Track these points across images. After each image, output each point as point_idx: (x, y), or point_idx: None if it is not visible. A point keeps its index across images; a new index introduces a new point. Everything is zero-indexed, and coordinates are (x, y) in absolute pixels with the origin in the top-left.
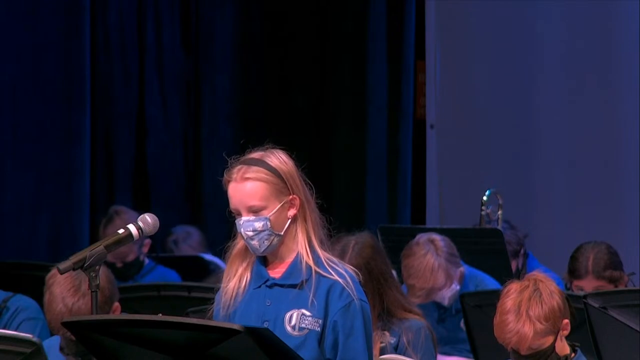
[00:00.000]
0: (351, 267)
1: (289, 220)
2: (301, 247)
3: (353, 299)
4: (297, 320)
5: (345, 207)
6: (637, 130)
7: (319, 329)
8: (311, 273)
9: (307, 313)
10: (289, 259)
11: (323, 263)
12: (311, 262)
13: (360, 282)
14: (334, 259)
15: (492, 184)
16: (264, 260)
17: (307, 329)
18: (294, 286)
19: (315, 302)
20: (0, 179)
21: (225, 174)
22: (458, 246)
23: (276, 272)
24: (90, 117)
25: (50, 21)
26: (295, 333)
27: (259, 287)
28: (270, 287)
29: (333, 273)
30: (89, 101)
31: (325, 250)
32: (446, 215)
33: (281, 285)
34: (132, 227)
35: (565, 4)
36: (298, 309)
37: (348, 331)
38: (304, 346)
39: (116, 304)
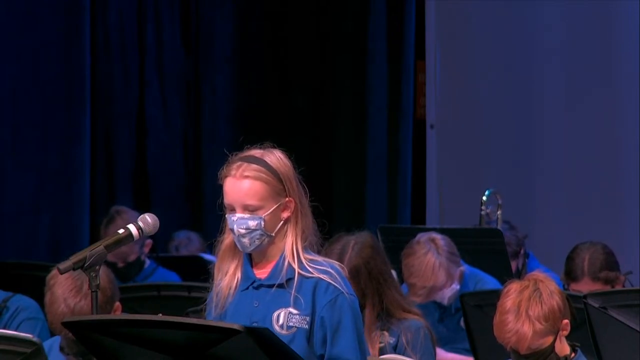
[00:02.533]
0: (337, 262)
1: (282, 222)
2: (288, 250)
3: (340, 293)
4: (284, 319)
5: (345, 207)
6: (637, 130)
7: (306, 326)
8: (294, 274)
9: (294, 311)
10: (275, 259)
11: (304, 266)
12: (295, 266)
13: (346, 277)
14: (318, 259)
15: (492, 184)
16: (250, 259)
17: (295, 327)
18: (280, 286)
19: (302, 300)
20: (0, 179)
21: (224, 168)
22: (458, 246)
23: (262, 273)
24: (90, 117)
25: (50, 21)
26: (284, 332)
27: (247, 288)
28: (256, 288)
29: (315, 272)
30: (89, 101)
31: (307, 253)
32: (446, 215)
33: (267, 286)
34: (132, 227)
35: (565, 4)
36: (285, 307)
37: (335, 325)
38: (292, 344)
39: (117, 304)
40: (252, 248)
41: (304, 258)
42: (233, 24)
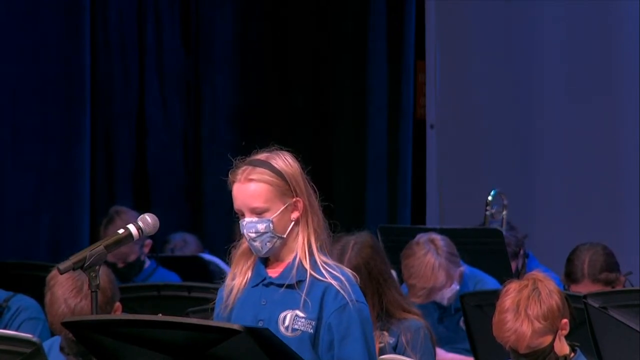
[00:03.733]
0: (349, 270)
1: (292, 223)
2: (300, 250)
3: (348, 302)
4: (290, 321)
5: (345, 207)
6: (637, 131)
7: (311, 330)
8: (307, 275)
9: (301, 314)
10: (288, 260)
11: (319, 267)
12: (307, 266)
13: (358, 284)
14: (331, 263)
15: (492, 184)
16: (264, 260)
17: (300, 330)
18: (290, 286)
19: (310, 304)
20: (0, 179)
21: (230, 175)
22: (458, 246)
23: (274, 272)
24: (90, 117)
25: (50, 21)
26: (289, 334)
27: (257, 285)
28: (266, 285)
29: (328, 276)
30: (89, 101)
31: (324, 255)
32: (446, 215)
33: (277, 285)
34: (132, 227)
35: (565, 4)
36: (292, 309)
37: (343, 332)
38: (296, 347)
39: (117, 304)
40: (264, 251)
41: (319, 259)
42: (233, 24)
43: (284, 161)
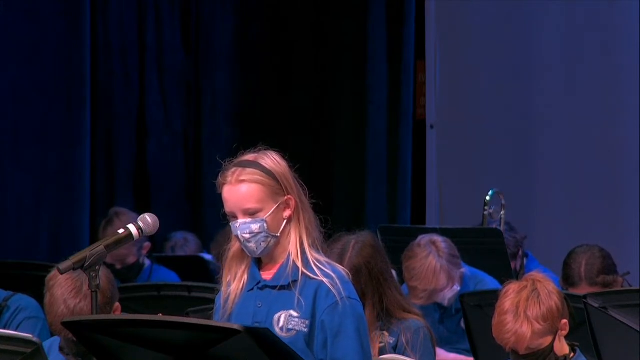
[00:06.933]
0: (341, 267)
1: (285, 221)
2: (292, 248)
3: (340, 299)
4: (284, 322)
5: (345, 207)
6: (637, 131)
7: (306, 329)
8: (299, 274)
9: (295, 314)
10: (282, 260)
11: (311, 265)
12: (300, 264)
13: (350, 281)
14: (323, 260)
15: (492, 184)
16: (258, 262)
17: (295, 330)
18: (283, 287)
19: (303, 303)
20: (0, 179)
21: (219, 177)
22: (458, 246)
23: (268, 274)
24: (90, 118)
25: (50, 21)
26: (284, 334)
27: (252, 289)
28: (261, 289)
29: (319, 274)
30: (89, 101)
31: (316, 252)
32: (446, 215)
33: (271, 287)
34: (132, 227)
35: (565, 4)
36: (286, 310)
37: (336, 330)
38: (292, 347)
39: (117, 305)
40: (259, 252)
41: (312, 256)
42: (233, 24)
43: (272, 160)
